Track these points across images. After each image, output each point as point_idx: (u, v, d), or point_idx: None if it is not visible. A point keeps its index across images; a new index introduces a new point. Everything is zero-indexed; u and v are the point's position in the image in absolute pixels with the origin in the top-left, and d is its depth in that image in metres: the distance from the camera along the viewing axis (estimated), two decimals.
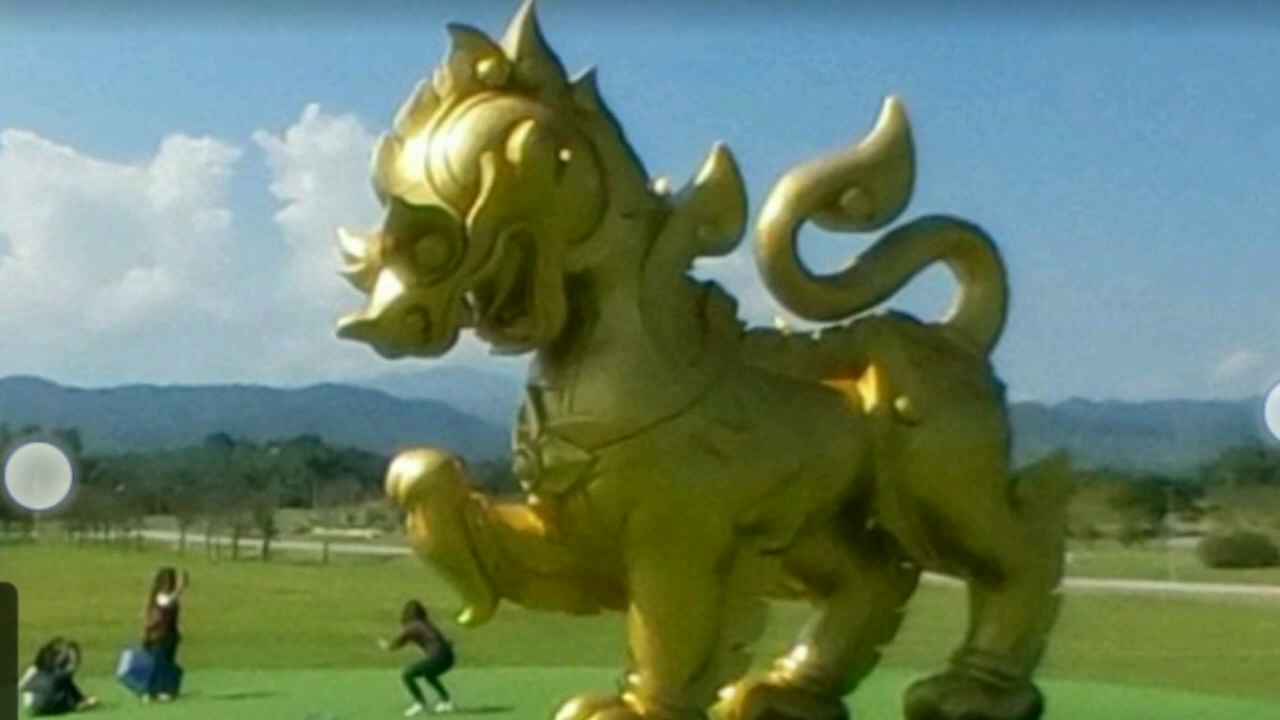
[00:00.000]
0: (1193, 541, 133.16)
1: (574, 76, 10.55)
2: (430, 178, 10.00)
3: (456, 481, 10.64)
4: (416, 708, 16.39)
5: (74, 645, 20.12)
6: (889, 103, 11.78)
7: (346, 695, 17.99)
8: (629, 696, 10.53)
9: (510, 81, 10.27)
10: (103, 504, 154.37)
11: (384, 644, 18.52)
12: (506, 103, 10.16)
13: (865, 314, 11.73)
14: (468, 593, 10.80)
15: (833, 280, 11.78)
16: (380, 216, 9.82)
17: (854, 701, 12.28)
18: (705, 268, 10.99)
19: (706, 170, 10.84)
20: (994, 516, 11.64)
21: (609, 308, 10.42)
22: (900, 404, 11.21)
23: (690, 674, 10.51)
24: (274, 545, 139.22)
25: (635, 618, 10.57)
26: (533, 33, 10.43)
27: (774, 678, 12.14)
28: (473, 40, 10.29)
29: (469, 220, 9.76)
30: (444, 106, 10.23)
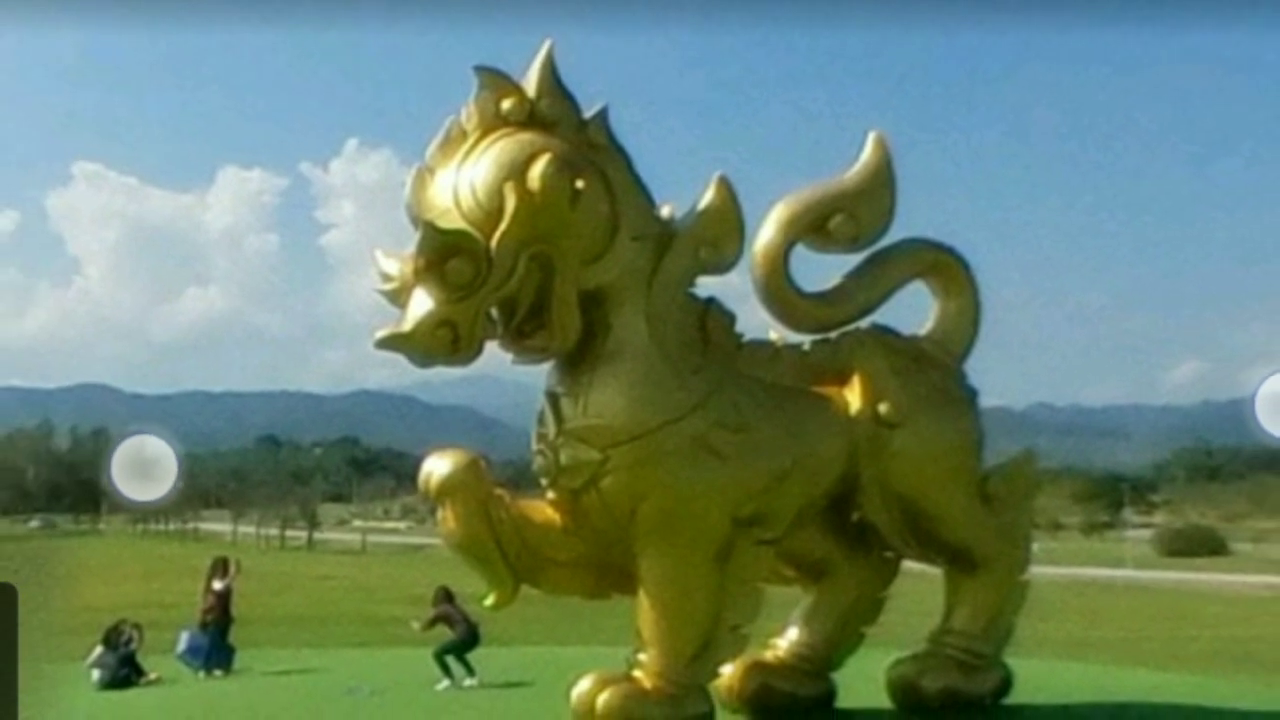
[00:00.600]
0: (1147, 533, 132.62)
1: (587, 113, 10.59)
2: (458, 204, 10.04)
3: (481, 479, 10.67)
4: (446, 683, 16.33)
5: (137, 626, 20.03)
6: (871, 137, 11.80)
7: (382, 671, 17.92)
8: (637, 673, 10.53)
9: (530, 118, 10.31)
10: (163, 498, 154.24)
11: (416, 625, 18.44)
12: (527, 137, 10.19)
13: (850, 327, 11.75)
14: (492, 579, 10.82)
15: (821, 297, 11.79)
16: (413, 240, 9.86)
17: (841, 677, 12.28)
18: (706, 285, 11.02)
19: (707, 198, 10.86)
20: (967, 510, 11.63)
21: (619, 322, 10.44)
22: (882, 408, 11.22)
23: (693, 653, 10.51)
24: (317, 536, 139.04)
25: (643, 602, 10.57)
26: (550, 74, 10.48)
27: (768, 656, 12.14)
28: (497, 80, 10.33)
29: (493, 243, 9.79)
30: (470, 140, 10.27)
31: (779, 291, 11.52)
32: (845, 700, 12.19)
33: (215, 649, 20.23)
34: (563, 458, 10.40)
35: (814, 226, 11.52)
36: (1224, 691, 14.88)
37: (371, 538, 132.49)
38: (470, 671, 16.69)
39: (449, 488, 10.55)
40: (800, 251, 11.59)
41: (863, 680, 12.05)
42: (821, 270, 11.85)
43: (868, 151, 11.70)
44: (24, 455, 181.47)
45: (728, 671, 11.36)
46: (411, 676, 16.61)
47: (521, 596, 10.97)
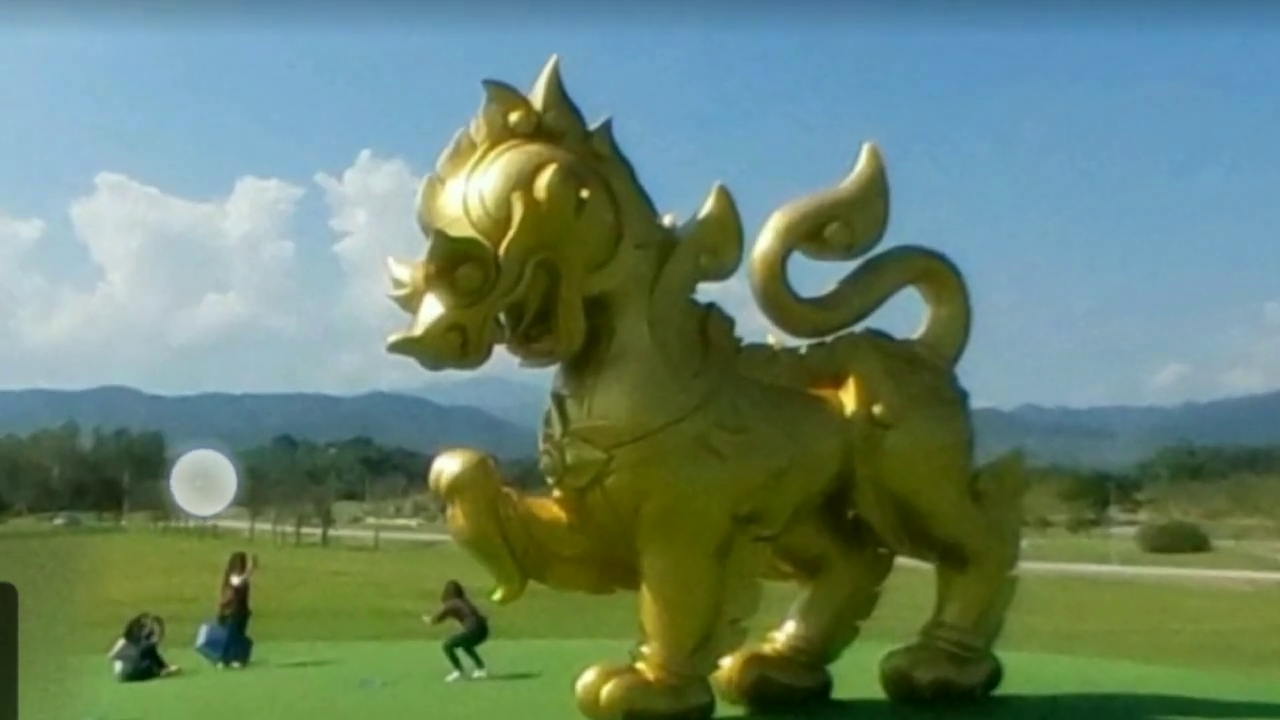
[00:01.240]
0: (1132, 530, 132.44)
1: (592, 125, 10.59)
2: (468, 213, 10.04)
3: (490, 477, 10.66)
4: (455, 675, 16.33)
5: (158, 619, 20.05)
6: (866, 148, 11.81)
7: (394, 664, 17.92)
8: (640, 665, 10.53)
9: (537, 130, 10.32)
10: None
11: (427, 619, 18.45)
12: (534, 148, 10.19)
13: (846, 331, 11.74)
14: (500, 574, 10.82)
15: (817, 302, 11.78)
16: (424, 247, 9.86)
17: (836, 669, 12.26)
18: (706, 291, 11.03)
19: (707, 207, 10.86)
20: (958, 507, 11.62)
21: (623, 326, 10.44)
22: (876, 409, 11.20)
23: (694, 645, 10.51)
24: (331, 533, 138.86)
25: (645, 596, 10.57)
26: (556, 87, 10.48)
27: (767, 649, 12.12)
28: (504, 94, 10.33)
29: (501, 250, 9.79)
30: (479, 151, 10.27)
31: (777, 297, 11.52)
32: (840, 691, 12.17)
33: (233, 642, 20.25)
34: (568, 457, 10.41)
35: (810, 234, 11.52)
36: (1206, 683, 14.85)
37: (384, 534, 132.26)
38: (479, 664, 16.69)
39: (459, 486, 10.54)
40: (797, 258, 11.59)
41: (857, 672, 12.03)
42: (818, 276, 11.87)
43: (862, 162, 11.70)
44: (49, 455, 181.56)
45: (727, 664, 11.34)
46: (422, 668, 16.61)
47: (528, 591, 10.96)
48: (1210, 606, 60.21)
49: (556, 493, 10.76)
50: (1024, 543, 13.41)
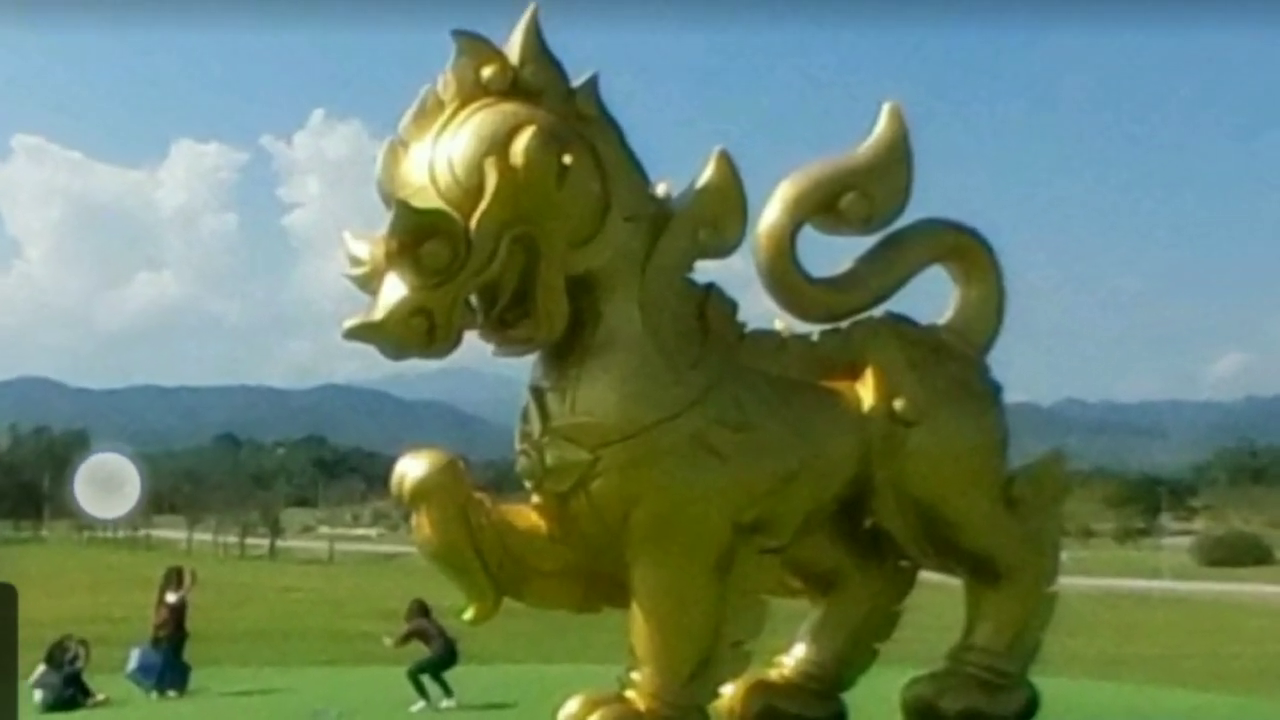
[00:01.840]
0: (1186, 540, 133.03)
1: (576, 82, 10.57)
2: (434, 182, 10.01)
3: (460, 481, 10.65)
4: (421, 704, 16.39)
5: (83, 642, 20.10)
6: (886, 107, 11.80)
7: (352, 692, 17.99)
8: (630, 693, 10.53)
9: (513, 87, 10.28)
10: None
11: (389, 641, 18.52)
12: (509, 108, 10.17)
13: (863, 316, 11.74)
14: (471, 591, 10.81)
15: (831, 283, 11.79)
16: (385, 220, 9.83)
17: (852, 698, 12.29)
18: (705, 270, 11.02)
19: (706, 174, 10.85)
20: (990, 516, 11.64)
21: (610, 310, 10.43)
22: (898, 404, 11.22)
23: (690, 671, 10.51)
24: (280, 544, 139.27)
25: (636, 615, 10.57)
26: (535, 39, 10.44)
27: (773, 675, 12.15)
28: (476, 46, 10.30)
29: (472, 224, 9.76)
30: (448, 111, 10.24)
31: (785, 277, 11.53)
32: None
33: (169, 667, 20.31)
34: (549, 458, 10.40)
35: (823, 206, 11.52)
36: (1269, 713, 14.95)
37: (339, 546, 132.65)
38: (447, 692, 16.76)
39: (424, 491, 10.53)
40: (808, 233, 11.59)
41: (875, 701, 12.07)
42: (831, 254, 11.88)
43: (882, 124, 11.70)
44: None
45: (729, 692, 11.37)
46: (384, 697, 16.68)
47: (503, 610, 10.95)
48: (1274, 627, 60.44)
49: (535, 498, 10.75)
50: (1064, 555, 13.46)
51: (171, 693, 19.76)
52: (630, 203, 10.51)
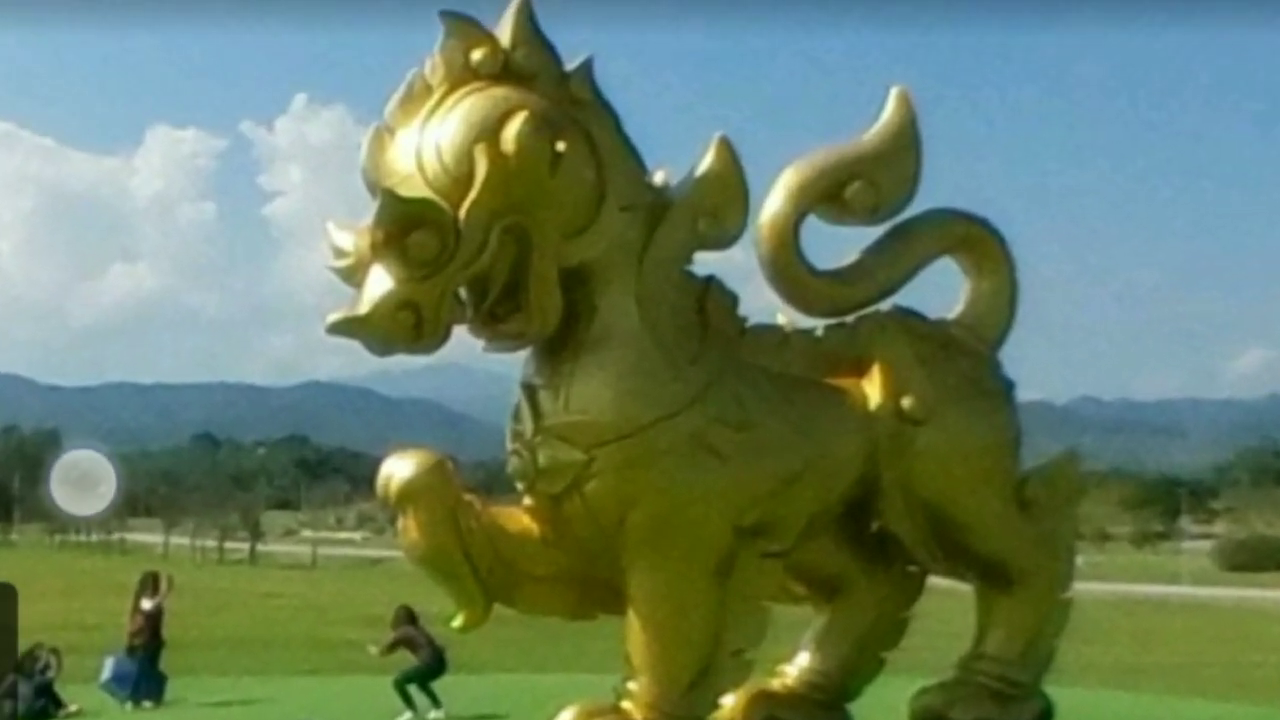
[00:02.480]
0: (1206, 544, 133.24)
1: (570, 65, 10.56)
2: (422, 169, 10.01)
3: (449, 482, 10.65)
4: (408, 715, 16.40)
5: (55, 651, 20.09)
6: (894, 92, 11.79)
7: (336, 702, 18.01)
8: (626, 704, 10.54)
9: (504, 70, 10.27)
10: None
11: (374, 650, 18.54)
12: (500, 92, 10.16)
13: (870, 310, 11.74)
14: (460, 597, 10.81)
15: (836, 275, 11.79)
16: (370, 209, 9.83)
17: (858, 708, 12.30)
18: (705, 262, 11.01)
19: (706, 162, 10.84)
20: (1002, 518, 11.65)
21: (606, 303, 10.43)
22: (906, 402, 11.22)
23: (689, 680, 10.52)
24: (261, 548, 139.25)
25: (633, 622, 10.58)
26: (527, 20, 10.43)
27: (776, 684, 12.15)
28: (466, 28, 10.28)
29: (462, 213, 9.75)
30: (436, 96, 10.22)
31: (788, 269, 11.53)
32: None
33: (144, 677, 20.32)
34: (541, 459, 10.40)
35: (828, 195, 11.52)
36: None
37: (322, 550, 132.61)
38: (435, 702, 16.78)
39: (411, 493, 10.53)
40: (812, 223, 11.59)
41: (882, 711, 12.08)
42: (836, 245, 11.88)
43: (889, 109, 11.70)
44: None
45: (729, 702, 11.35)
46: (369, 708, 16.70)
47: (494, 617, 10.96)
48: None
49: (528, 500, 10.76)
50: (1080, 559, 13.49)
51: (147, 703, 19.78)
52: (627, 192, 10.50)
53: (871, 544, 11.90)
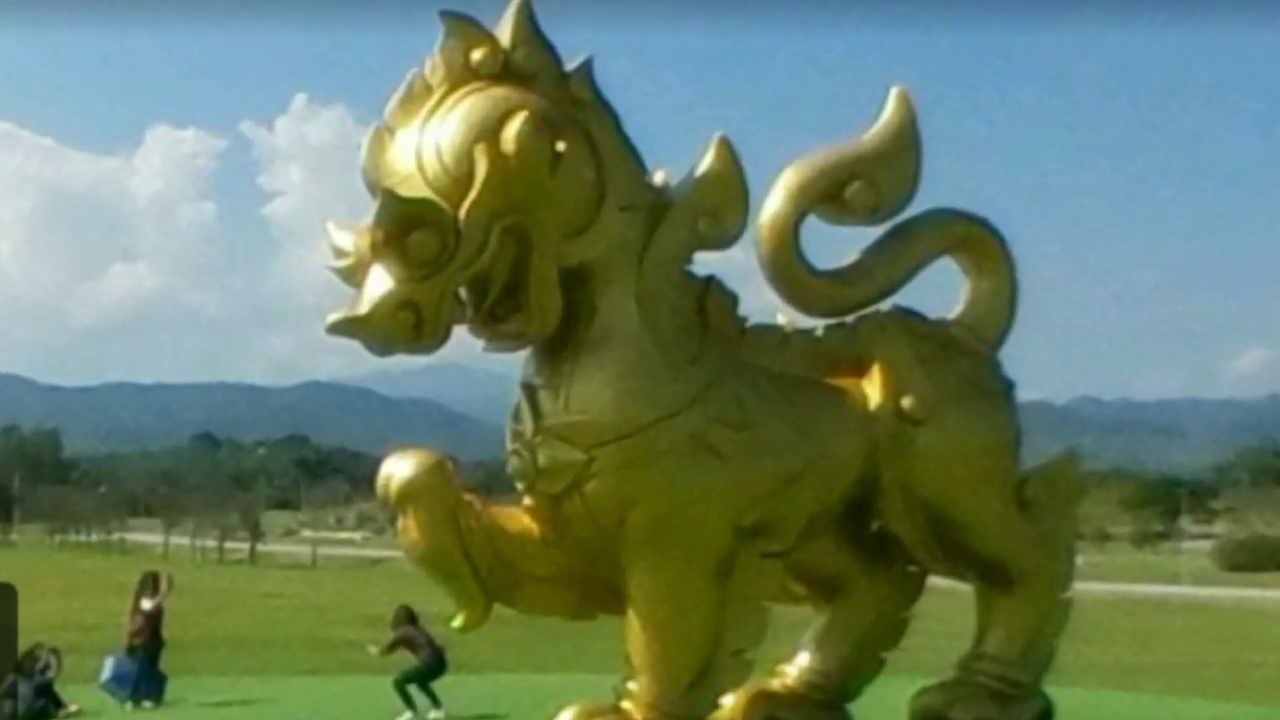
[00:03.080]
0: (1206, 544, 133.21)
1: (570, 65, 10.56)
2: (422, 169, 10.01)
3: (449, 482, 10.65)
4: (408, 715, 16.40)
5: (55, 651, 20.09)
6: (894, 92, 11.79)
7: (335, 702, 18.01)
8: (626, 704, 10.54)
9: (504, 70, 10.27)
10: (84, 505, 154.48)
11: (374, 650, 18.54)
12: (500, 92, 10.16)
13: (870, 310, 11.73)
14: (460, 597, 10.81)
15: (836, 275, 11.79)
16: (370, 209, 9.83)
17: (858, 708, 12.30)
18: (705, 262, 11.01)
19: (706, 162, 10.84)
20: (1002, 518, 11.65)
21: (606, 303, 10.43)
22: (906, 402, 11.22)
23: (689, 680, 10.52)
24: (261, 548, 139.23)
25: (633, 622, 10.58)
26: (527, 20, 10.42)
27: (776, 684, 12.15)
28: (465, 28, 10.29)
29: (462, 213, 9.75)
30: (436, 96, 10.22)
31: (788, 269, 11.53)
32: None
33: (144, 677, 20.32)
34: (541, 459, 10.40)
35: (828, 195, 11.52)
36: None
37: (322, 550, 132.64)
38: (436, 702, 16.78)
39: (411, 493, 10.54)
40: (812, 223, 11.59)
41: (882, 712, 12.09)
42: (836, 245, 11.88)
43: (889, 109, 11.70)
44: None
45: (729, 702, 11.35)
46: (369, 708, 16.70)
47: (494, 617, 10.96)
48: None
49: (528, 500, 10.75)
50: (1080, 559, 13.48)
51: (147, 703, 19.78)
52: (627, 192, 10.50)
53: (871, 544, 11.90)
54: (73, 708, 19.10)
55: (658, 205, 10.67)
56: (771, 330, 11.47)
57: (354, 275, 10.01)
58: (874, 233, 11.86)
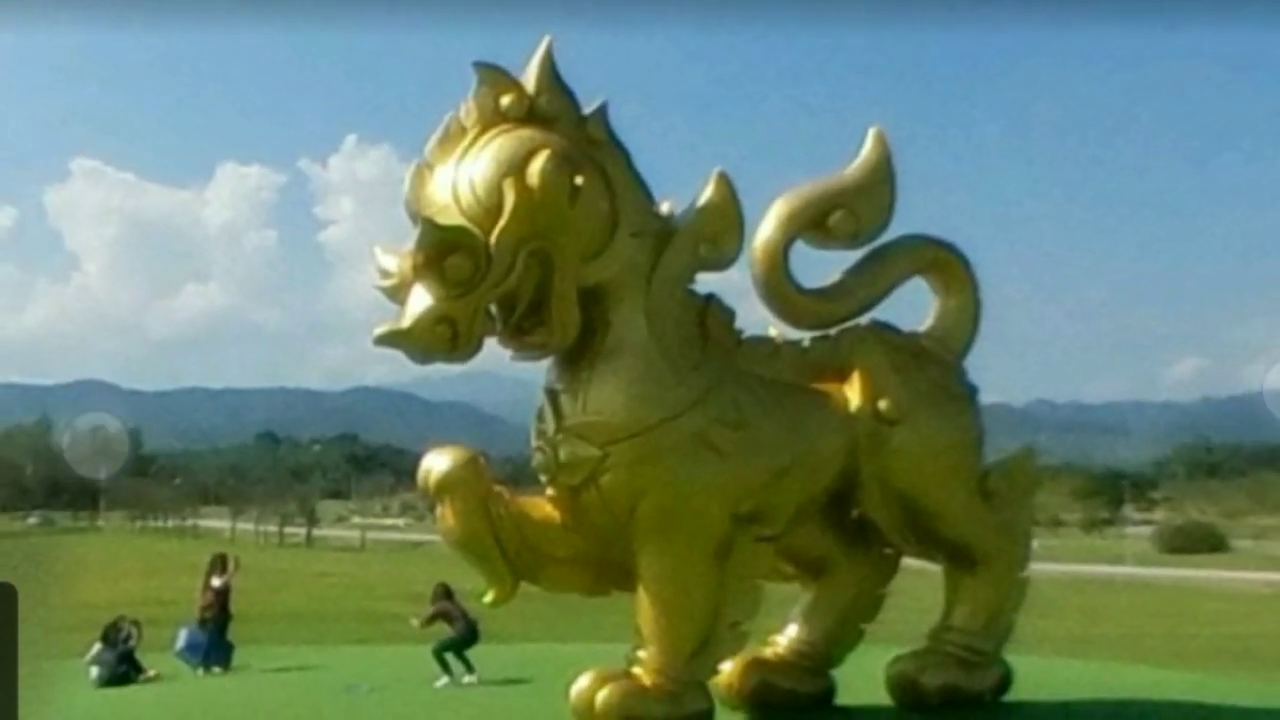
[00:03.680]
0: (1147, 529, 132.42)
1: (587, 109, 10.58)
2: (457, 201, 10.03)
3: (481, 475, 10.67)
4: (445, 680, 16.34)
5: (136, 623, 20.02)
6: (871, 132, 11.80)
7: (381, 668, 17.93)
8: (636, 670, 10.54)
9: (529, 114, 10.30)
10: (162, 495, 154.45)
11: (415, 622, 18.44)
12: (526, 133, 10.18)
13: (850, 324, 11.74)
14: (491, 576, 10.82)
15: (821, 293, 11.78)
16: (412, 236, 9.85)
17: (840, 674, 12.29)
18: (705, 282, 11.02)
19: (707, 194, 10.85)
20: (967, 507, 11.63)
21: (618, 318, 10.44)
22: (882, 405, 11.21)
23: (692, 650, 10.51)
24: (316, 533, 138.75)
25: (642, 599, 10.58)
26: (550, 69, 10.46)
27: (768, 653, 12.14)
28: (495, 76, 10.32)
29: (492, 239, 9.78)
30: (469, 136, 10.25)
31: (779, 288, 11.52)
32: (845, 697, 12.20)
33: (214, 646, 20.24)
34: (562, 454, 10.41)
35: (814, 222, 11.52)
36: (1224, 689, 14.89)
37: (370, 534, 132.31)
38: (469, 668, 16.69)
39: (448, 484, 10.55)
40: (800, 248, 11.59)
41: (862, 677, 12.06)
42: (821, 266, 11.86)
43: (867, 147, 11.70)
44: (22, 452, 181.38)
45: (727, 669, 11.37)
46: (411, 673, 16.61)
47: (520, 593, 10.98)
48: (1228, 609, 60.28)
49: (550, 491, 10.76)
50: (1035, 543, 13.46)
51: (216, 669, 19.71)
52: (637, 220, 10.51)
53: (852, 529, 11.89)
54: (151, 673, 19.02)
55: (664, 232, 10.68)
56: (764, 342, 11.48)
57: (398, 294, 10.03)
58: (854, 256, 11.86)
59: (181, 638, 20.70)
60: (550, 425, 10.56)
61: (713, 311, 10.95)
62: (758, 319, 11.64)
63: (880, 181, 11.63)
